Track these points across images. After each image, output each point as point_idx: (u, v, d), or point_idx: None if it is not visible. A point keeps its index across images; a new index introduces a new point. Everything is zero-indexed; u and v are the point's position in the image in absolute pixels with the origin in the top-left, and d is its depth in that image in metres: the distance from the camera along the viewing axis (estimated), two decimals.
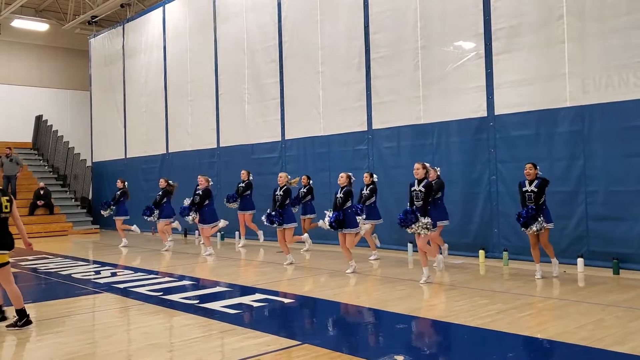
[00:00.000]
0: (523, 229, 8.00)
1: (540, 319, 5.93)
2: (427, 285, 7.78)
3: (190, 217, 11.71)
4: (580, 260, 8.56)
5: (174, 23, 17.29)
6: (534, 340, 5.07)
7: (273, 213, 9.78)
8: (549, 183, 8.05)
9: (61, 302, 7.58)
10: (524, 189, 8.06)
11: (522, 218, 7.93)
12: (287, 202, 9.98)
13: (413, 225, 7.85)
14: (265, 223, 10.02)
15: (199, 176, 11.91)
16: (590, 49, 8.74)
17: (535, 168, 8.06)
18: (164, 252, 12.55)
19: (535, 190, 7.93)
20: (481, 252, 9.82)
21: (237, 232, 13.69)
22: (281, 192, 9.93)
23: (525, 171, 8.06)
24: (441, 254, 9.26)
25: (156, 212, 12.92)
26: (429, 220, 7.86)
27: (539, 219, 7.84)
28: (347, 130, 12.25)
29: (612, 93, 8.48)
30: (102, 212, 14.46)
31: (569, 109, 8.94)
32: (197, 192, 11.65)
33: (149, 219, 13.17)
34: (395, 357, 4.62)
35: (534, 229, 7.85)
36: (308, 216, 11.75)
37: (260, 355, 4.79)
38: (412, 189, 8.06)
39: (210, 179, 11.99)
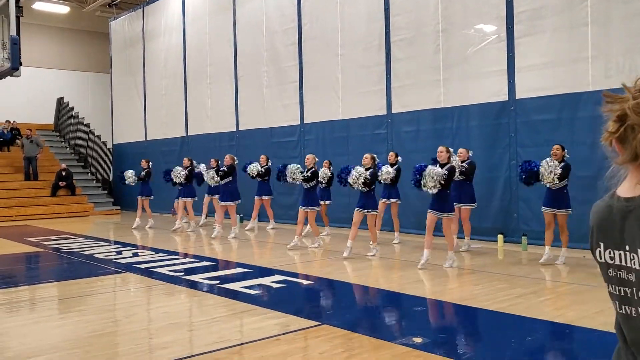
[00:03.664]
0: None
1: (559, 303, 5.93)
2: (445, 269, 7.78)
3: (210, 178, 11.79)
4: None
5: (193, 5, 17.30)
6: (552, 325, 5.08)
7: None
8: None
9: (84, 281, 7.72)
10: None
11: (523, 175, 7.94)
12: (315, 183, 10.00)
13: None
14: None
15: (226, 156, 11.99)
16: (614, 32, 8.60)
17: (563, 150, 7.94)
18: (184, 232, 12.74)
19: (560, 171, 7.78)
20: (500, 237, 9.79)
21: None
22: (308, 174, 9.94)
23: (552, 151, 7.93)
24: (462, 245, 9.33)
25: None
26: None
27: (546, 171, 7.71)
28: (366, 114, 12.22)
29: (636, 77, 8.33)
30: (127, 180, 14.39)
31: (592, 93, 8.83)
32: (222, 169, 11.73)
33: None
34: (414, 338, 4.66)
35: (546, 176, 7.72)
36: (324, 202, 11.68)
37: (280, 335, 4.86)
38: None
39: (235, 158, 12.02)
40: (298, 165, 9.96)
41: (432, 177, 7.56)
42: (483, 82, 10.21)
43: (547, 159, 7.77)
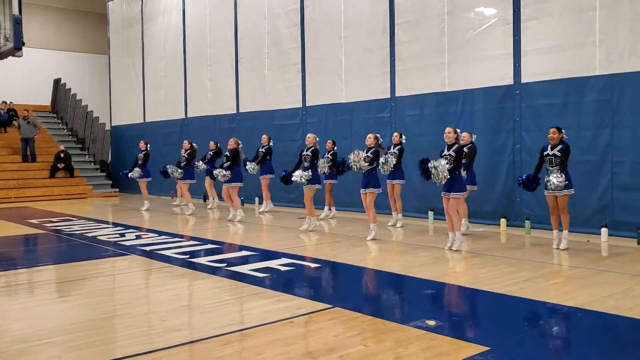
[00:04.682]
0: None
1: (567, 287, 5.95)
2: (449, 252, 7.80)
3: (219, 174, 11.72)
4: (604, 230, 8.53)
5: None
6: (564, 309, 5.10)
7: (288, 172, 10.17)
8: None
9: (90, 263, 7.71)
10: (545, 153, 7.84)
11: (521, 184, 7.98)
12: (316, 162, 9.97)
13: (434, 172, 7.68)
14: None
15: (230, 139, 11.91)
16: (623, 16, 8.56)
17: (560, 132, 7.79)
18: (187, 216, 12.73)
19: (559, 154, 7.70)
20: (502, 221, 9.82)
21: (257, 198, 13.78)
22: (309, 153, 9.92)
23: (549, 135, 7.82)
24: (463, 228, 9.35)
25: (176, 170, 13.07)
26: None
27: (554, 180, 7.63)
28: (370, 98, 12.16)
29: None
30: (131, 175, 14.15)
31: (598, 77, 8.81)
32: (225, 153, 11.73)
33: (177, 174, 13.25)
34: (427, 321, 4.67)
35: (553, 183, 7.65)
36: (330, 181, 11.65)
37: (293, 317, 4.87)
38: (443, 154, 8.01)
39: (240, 142, 11.95)
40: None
41: (439, 171, 7.63)
42: (488, 65, 10.17)
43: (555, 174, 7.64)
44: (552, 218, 8.07)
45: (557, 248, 7.88)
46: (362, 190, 8.99)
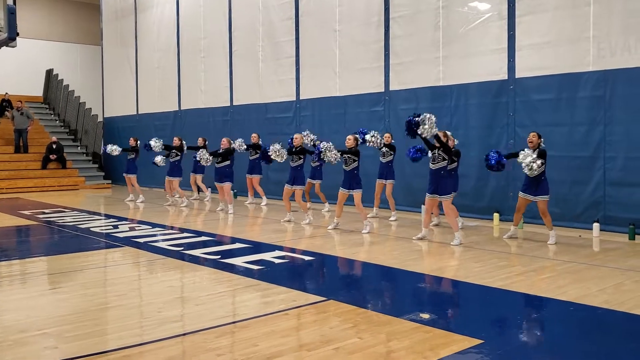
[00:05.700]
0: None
1: (560, 281, 5.99)
2: (442, 246, 7.85)
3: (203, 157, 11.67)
4: (595, 225, 8.60)
5: None
6: (556, 303, 5.14)
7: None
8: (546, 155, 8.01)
9: (84, 254, 7.69)
10: None
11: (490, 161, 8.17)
12: (302, 161, 10.04)
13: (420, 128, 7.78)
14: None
15: (223, 139, 11.92)
16: (616, 12, 8.59)
17: (539, 138, 8.01)
18: (182, 208, 12.73)
19: (539, 163, 7.85)
20: (495, 215, 9.89)
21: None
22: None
23: (528, 139, 8.02)
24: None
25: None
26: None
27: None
28: (364, 91, 12.17)
29: (637, 58, 8.37)
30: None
31: (592, 73, 8.85)
32: (219, 152, 11.72)
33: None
34: (421, 314, 4.71)
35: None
36: (316, 181, 11.62)
37: (288, 309, 4.89)
38: (433, 151, 8.08)
39: (232, 141, 11.98)
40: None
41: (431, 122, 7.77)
42: (483, 60, 10.19)
43: (526, 150, 7.90)
44: (515, 215, 8.41)
45: (509, 237, 8.40)
46: (345, 191, 9.16)
